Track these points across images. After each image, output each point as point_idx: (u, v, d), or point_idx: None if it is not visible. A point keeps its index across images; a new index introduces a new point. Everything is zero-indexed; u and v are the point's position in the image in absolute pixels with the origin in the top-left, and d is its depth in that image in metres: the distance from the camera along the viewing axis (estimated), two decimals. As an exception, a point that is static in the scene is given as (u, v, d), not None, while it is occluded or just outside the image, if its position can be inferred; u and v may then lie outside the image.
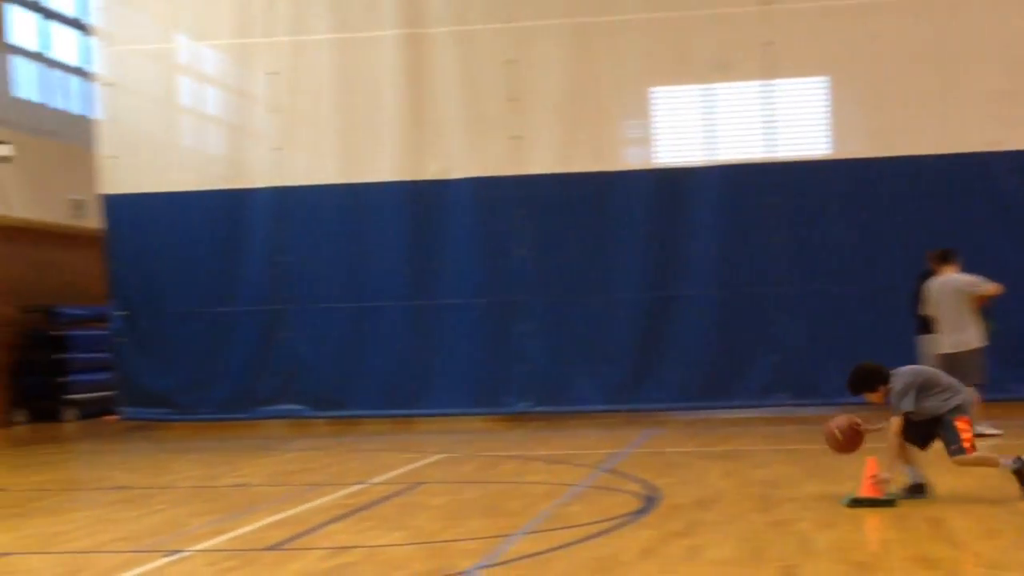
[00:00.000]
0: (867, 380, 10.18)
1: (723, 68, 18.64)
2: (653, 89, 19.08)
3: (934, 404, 10.00)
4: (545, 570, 7.79)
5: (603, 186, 18.86)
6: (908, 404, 9.92)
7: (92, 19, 21.23)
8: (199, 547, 8.93)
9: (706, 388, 18.58)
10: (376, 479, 12.65)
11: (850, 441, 10.19)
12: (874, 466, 9.77)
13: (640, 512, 9.89)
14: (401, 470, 13.38)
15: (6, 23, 24.09)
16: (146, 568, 8.21)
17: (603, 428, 17.78)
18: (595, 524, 9.32)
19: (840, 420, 10.25)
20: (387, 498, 11.19)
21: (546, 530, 9.26)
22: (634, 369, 18.75)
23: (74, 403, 22.77)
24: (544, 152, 18.95)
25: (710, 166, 18.70)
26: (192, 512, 10.70)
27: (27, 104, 23.44)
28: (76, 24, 26.69)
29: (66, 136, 23.99)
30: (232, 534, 9.48)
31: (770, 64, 18.42)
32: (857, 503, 9.73)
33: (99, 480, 14.05)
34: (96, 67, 21.08)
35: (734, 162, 18.65)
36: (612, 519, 9.57)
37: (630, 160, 19.27)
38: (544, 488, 11.58)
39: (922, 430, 10.06)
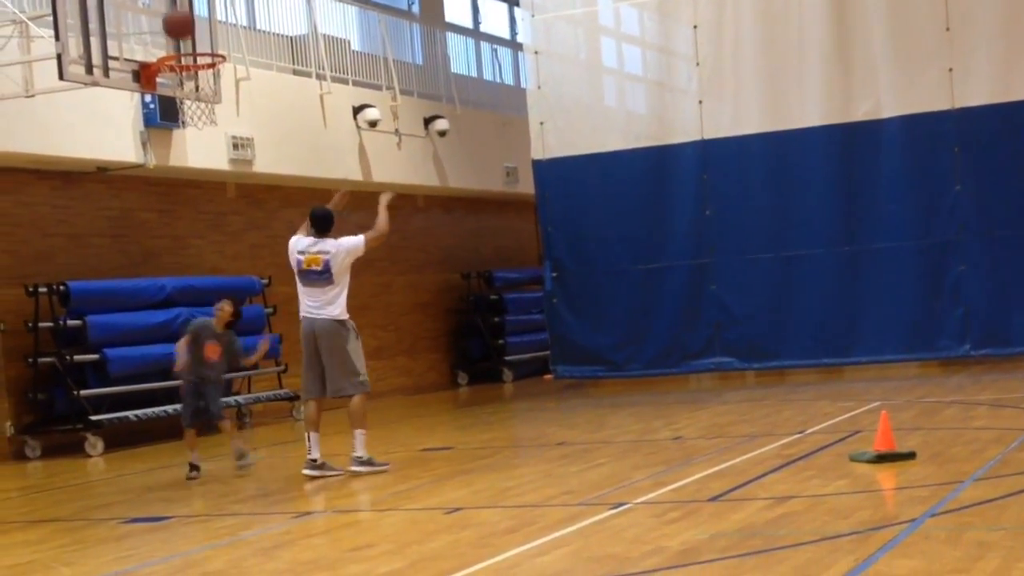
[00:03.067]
0: None
1: None
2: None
3: None
4: (1001, 517, 7.44)
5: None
6: None
7: (518, -10, 21.87)
8: (642, 499, 9.00)
9: None
10: (812, 429, 12.48)
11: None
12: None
13: (1102, 457, 9.39)
14: (837, 419, 13.15)
15: (443, 3, 25.19)
16: (593, 520, 8.33)
17: (1051, 370, 16.92)
18: (1052, 470, 8.88)
19: None
20: (825, 447, 11.00)
21: (998, 476, 8.86)
22: (1084, 306, 17.81)
23: (510, 364, 23.54)
24: (981, 82, 18.09)
25: None
26: (632, 466, 10.82)
27: (463, 79, 24.38)
28: (504, -2, 27.60)
29: (498, 106, 24.83)
30: (673, 486, 9.53)
31: None
32: (881, 458, 9.64)
33: (540, 437, 14.39)
34: (523, 37, 21.71)
35: None
36: (1071, 465, 9.11)
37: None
38: (992, 434, 11.13)
39: None
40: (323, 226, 11.82)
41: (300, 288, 11.71)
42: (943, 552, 6.62)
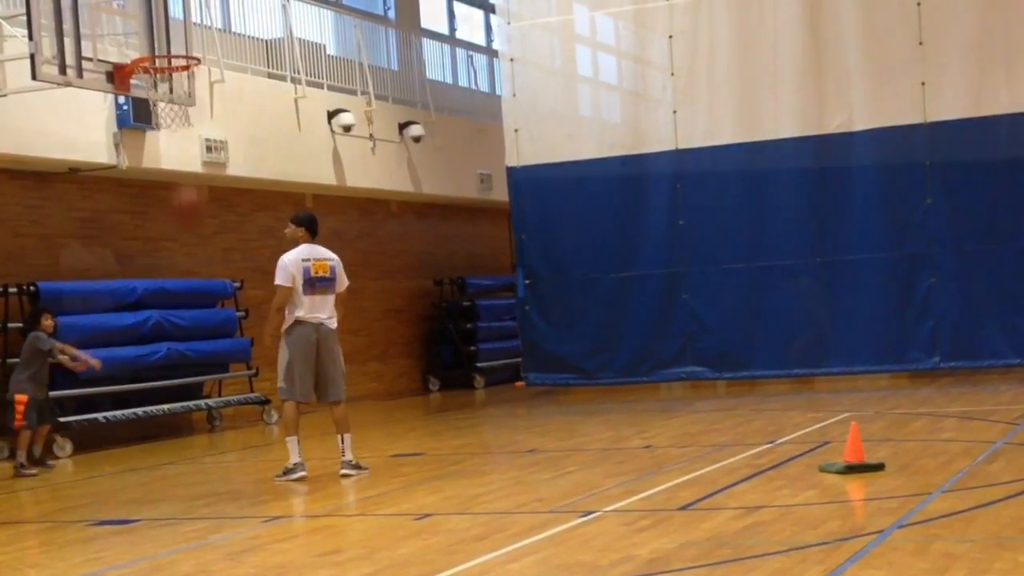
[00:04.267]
0: None
1: None
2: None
3: None
4: (968, 529, 7.50)
5: (1018, 127, 17.98)
6: None
7: (495, -1, 21.89)
8: (612, 507, 9.03)
9: None
10: (782, 439, 12.54)
11: None
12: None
13: (1067, 470, 9.46)
14: (807, 429, 13.22)
15: (419, 10, 25.20)
16: (563, 528, 8.36)
17: (1019, 384, 17.06)
18: (1018, 483, 8.93)
19: None
20: (795, 457, 11.04)
21: (966, 488, 8.91)
22: (1051, 320, 17.99)
23: (482, 370, 23.56)
24: (954, 97, 18.20)
25: None
26: (603, 474, 10.85)
27: (438, 85, 24.41)
28: (480, 4, 27.62)
29: (473, 113, 24.86)
30: (643, 495, 9.56)
31: None
32: (851, 469, 9.74)
33: (511, 444, 14.43)
34: (499, 44, 21.74)
35: None
36: (1036, 478, 9.17)
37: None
38: (960, 446, 11.22)
39: None
40: (316, 229, 12.00)
41: (304, 296, 11.63)
42: (910, 563, 6.66)
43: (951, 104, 18.24)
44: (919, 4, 18.34)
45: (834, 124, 18.80)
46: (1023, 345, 18.11)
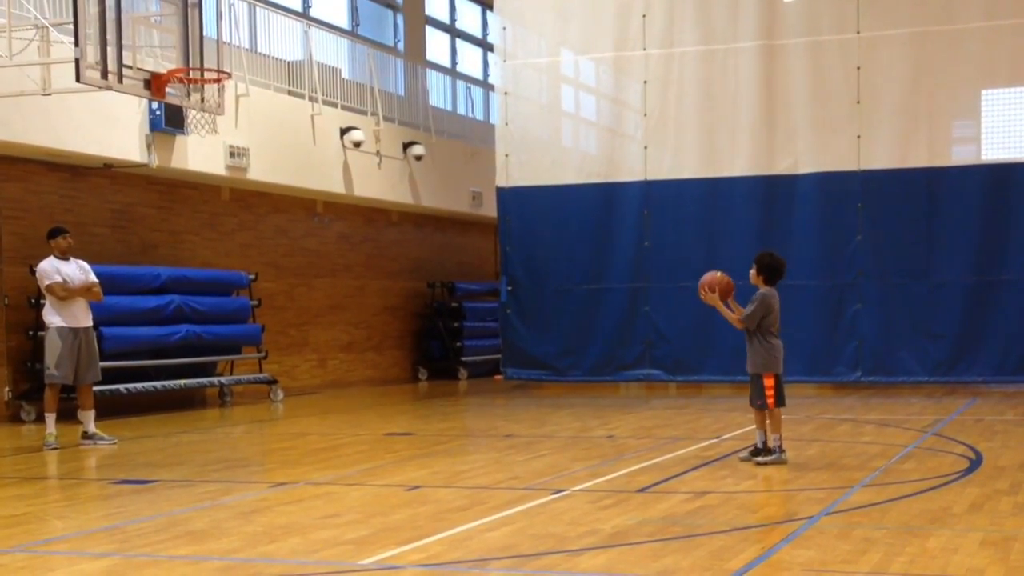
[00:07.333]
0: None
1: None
2: (986, 91, 18.32)
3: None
4: (884, 518, 7.62)
5: (935, 180, 18.28)
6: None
7: (493, 38, 21.94)
8: (579, 487, 9.07)
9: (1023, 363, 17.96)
10: (726, 435, 12.62)
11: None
12: None
13: (966, 471, 9.57)
14: (747, 428, 13.13)
15: (426, 44, 25.26)
16: (536, 503, 8.40)
17: (927, 397, 17.25)
18: (926, 480, 9.08)
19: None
20: (738, 451, 11.06)
21: (881, 484, 9.03)
22: (956, 345, 18.28)
23: (466, 364, 23.63)
24: (884, 149, 18.51)
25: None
26: (571, 458, 10.88)
27: (439, 111, 24.46)
28: (479, 43, 27.70)
29: (468, 138, 24.92)
30: (606, 477, 9.61)
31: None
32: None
33: (490, 429, 14.35)
34: (495, 79, 21.82)
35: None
36: (941, 476, 9.30)
37: (961, 156, 18.62)
38: (877, 448, 11.33)
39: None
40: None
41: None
42: (835, 545, 6.75)
43: (882, 156, 18.52)
44: (858, 68, 18.59)
45: (782, 167, 19.00)
46: (932, 365, 18.41)
